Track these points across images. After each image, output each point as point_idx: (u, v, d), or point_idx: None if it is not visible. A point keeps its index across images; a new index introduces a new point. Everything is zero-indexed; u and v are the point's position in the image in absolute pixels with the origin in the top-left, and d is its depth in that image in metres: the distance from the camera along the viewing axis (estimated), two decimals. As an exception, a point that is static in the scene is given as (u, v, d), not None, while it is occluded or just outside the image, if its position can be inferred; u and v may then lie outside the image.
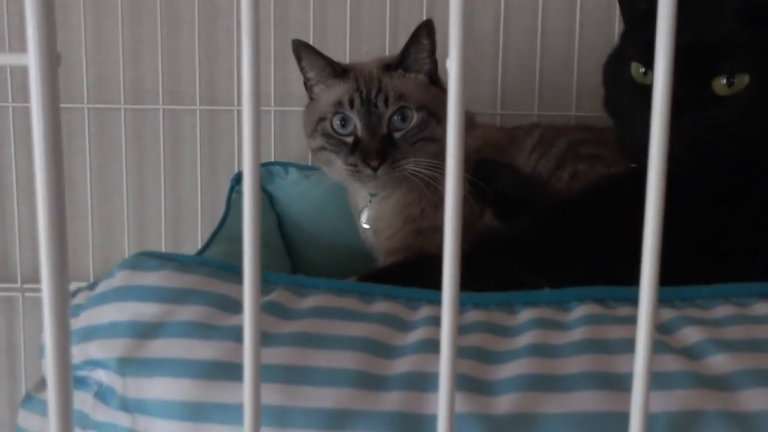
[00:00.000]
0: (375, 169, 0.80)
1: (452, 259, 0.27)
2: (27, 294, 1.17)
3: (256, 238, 0.28)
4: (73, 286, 1.12)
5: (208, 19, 1.14)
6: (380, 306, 0.37)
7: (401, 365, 0.33)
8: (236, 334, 0.34)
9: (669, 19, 0.27)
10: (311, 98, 0.89)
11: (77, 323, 0.38)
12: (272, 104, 1.15)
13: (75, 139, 1.16)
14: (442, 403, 0.26)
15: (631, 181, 0.66)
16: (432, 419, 0.30)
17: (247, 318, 0.26)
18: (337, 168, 0.86)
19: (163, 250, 1.16)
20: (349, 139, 0.82)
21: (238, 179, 1.03)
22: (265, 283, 0.38)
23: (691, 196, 0.50)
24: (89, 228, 1.15)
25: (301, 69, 0.87)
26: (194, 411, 0.32)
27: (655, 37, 0.62)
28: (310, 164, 1.10)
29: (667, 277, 0.35)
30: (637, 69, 0.62)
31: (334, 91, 0.85)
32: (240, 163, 1.14)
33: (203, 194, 1.15)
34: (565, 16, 1.14)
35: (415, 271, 0.67)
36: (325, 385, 0.31)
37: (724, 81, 0.57)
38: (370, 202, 0.92)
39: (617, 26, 1.10)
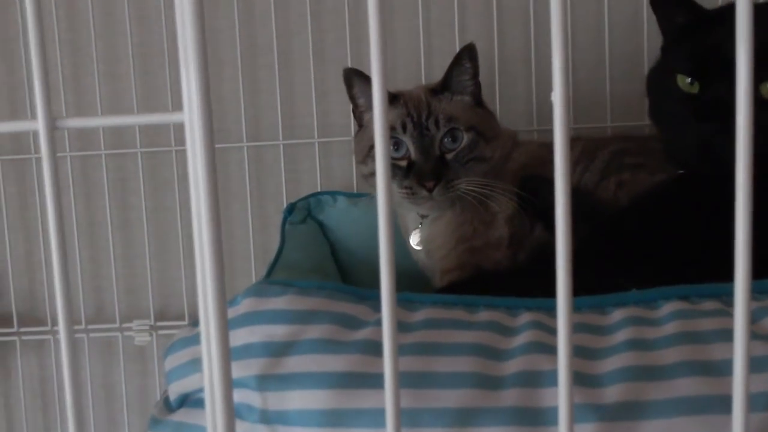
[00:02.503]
0: (430, 191, 0.83)
1: (565, 265, 0.30)
2: (92, 334, 1.21)
3: (390, 254, 0.30)
4: (135, 324, 1.16)
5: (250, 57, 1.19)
6: (484, 315, 0.40)
7: (513, 366, 0.36)
8: (362, 347, 0.37)
9: (746, 40, 0.29)
10: (361, 126, 0.92)
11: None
12: (316, 136, 1.19)
13: (129, 182, 1.21)
14: (561, 395, 0.29)
15: (683, 186, 0.68)
16: (549, 411, 0.33)
17: (386, 330, 0.28)
18: (390, 192, 0.89)
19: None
20: (403, 163, 0.85)
21: (290, 210, 1.07)
22: (378, 302, 0.41)
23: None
24: (147, 267, 1.19)
25: (352, 97, 0.90)
26: (332, 418, 0.35)
27: (701, 52, 0.64)
28: (356, 191, 1.14)
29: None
30: (683, 80, 0.65)
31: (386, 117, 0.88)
32: (287, 196, 1.18)
33: (254, 228, 1.19)
34: (592, 30, 1.17)
35: (481, 285, 0.70)
36: (448, 387, 0.34)
37: None
38: (420, 224, 0.94)
39: (645, 35, 1.13)
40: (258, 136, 1.21)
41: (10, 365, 1.26)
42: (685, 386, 0.33)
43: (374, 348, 0.37)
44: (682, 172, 0.73)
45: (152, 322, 1.20)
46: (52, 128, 0.31)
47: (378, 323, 0.39)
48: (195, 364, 0.42)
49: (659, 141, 0.80)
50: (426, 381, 0.34)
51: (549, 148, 1.00)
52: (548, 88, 1.21)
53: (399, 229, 1.00)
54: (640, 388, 0.33)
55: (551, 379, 0.34)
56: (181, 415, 0.43)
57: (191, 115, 0.29)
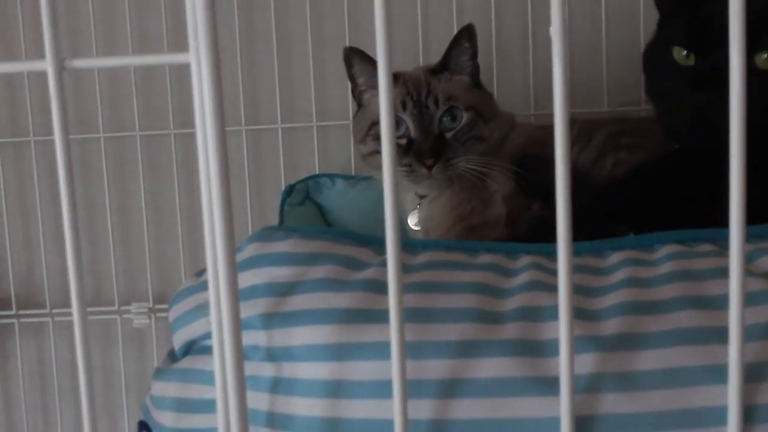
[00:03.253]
0: (430, 168, 0.83)
1: (564, 210, 0.30)
2: (91, 317, 1.21)
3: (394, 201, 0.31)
4: (134, 307, 1.17)
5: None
6: (484, 258, 0.41)
7: (513, 302, 0.37)
8: (366, 286, 0.38)
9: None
10: (360, 106, 0.93)
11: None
12: (314, 120, 1.19)
13: (128, 166, 1.22)
14: (563, 325, 0.30)
15: (680, 158, 0.69)
16: (549, 343, 0.34)
17: (391, 269, 0.29)
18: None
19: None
20: (403, 141, 0.86)
21: (289, 192, 1.07)
22: (380, 246, 0.42)
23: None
24: (146, 250, 1.20)
25: (351, 76, 0.91)
26: (336, 352, 0.35)
27: (696, 25, 0.65)
28: (353, 174, 1.15)
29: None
30: (679, 52, 0.66)
31: (384, 97, 0.89)
32: (285, 179, 1.18)
33: (252, 210, 1.20)
34: (589, 16, 1.18)
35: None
36: (450, 322, 0.35)
37: (765, 56, 0.61)
38: (419, 205, 0.95)
39: (642, 21, 1.14)
40: (256, 120, 1.21)
41: (8, 348, 1.26)
42: (682, 319, 0.34)
43: (377, 286, 0.37)
44: (678, 147, 0.74)
45: (151, 305, 1.20)
46: (61, 69, 0.32)
47: (381, 264, 0.40)
48: (200, 310, 0.43)
49: (655, 120, 0.81)
50: (428, 316, 0.35)
51: (546, 129, 1.02)
52: (546, 74, 1.22)
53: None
54: (637, 321, 0.34)
55: (551, 313, 0.35)
56: (187, 363, 0.44)
57: (198, 56, 0.29)
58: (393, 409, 0.27)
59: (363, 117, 0.92)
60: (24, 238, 1.25)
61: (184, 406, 0.43)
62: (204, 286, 0.44)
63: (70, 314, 1.18)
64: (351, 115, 1.16)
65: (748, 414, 0.31)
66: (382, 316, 0.34)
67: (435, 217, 0.92)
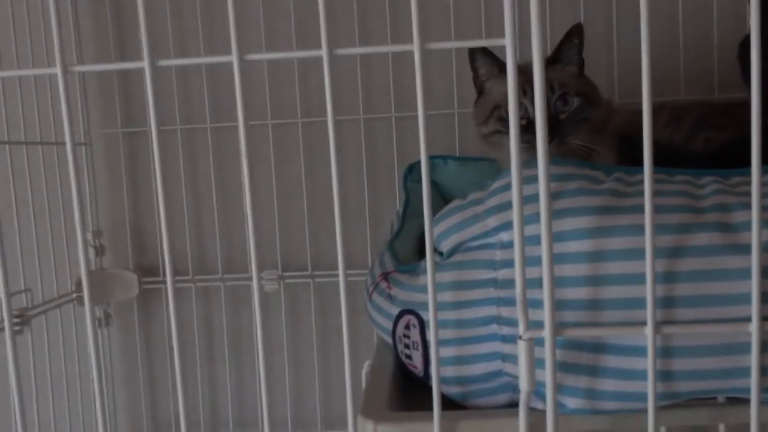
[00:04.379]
0: (548, 144, 0.99)
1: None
2: (227, 283, 1.39)
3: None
4: (265, 273, 1.34)
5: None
6: (678, 177, 0.59)
7: (709, 201, 0.54)
8: (608, 192, 0.55)
9: None
10: (481, 93, 1.09)
11: (489, 204, 0.60)
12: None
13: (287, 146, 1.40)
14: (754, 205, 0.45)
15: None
16: (740, 225, 0.51)
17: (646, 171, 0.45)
18: (508, 149, 1.05)
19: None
20: (523, 122, 1.02)
21: (410, 170, 1.24)
22: (607, 171, 0.59)
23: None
24: (275, 224, 1.37)
25: (474, 68, 1.07)
26: (594, 232, 0.52)
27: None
28: (457, 155, 1.31)
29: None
30: None
31: (505, 84, 1.05)
32: (397, 163, 1.35)
33: (368, 190, 1.37)
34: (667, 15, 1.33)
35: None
36: (669, 212, 0.52)
37: None
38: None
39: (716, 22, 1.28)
40: (370, 110, 1.38)
41: (152, 311, 1.44)
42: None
43: (615, 192, 0.55)
44: None
45: (279, 272, 1.38)
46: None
47: (613, 180, 0.57)
48: (469, 221, 0.60)
49: (737, 104, 0.95)
50: (657, 210, 0.52)
51: (639, 114, 1.17)
52: (628, 67, 1.37)
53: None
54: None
55: (737, 207, 0.52)
56: (458, 257, 0.61)
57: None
58: (644, 264, 0.43)
59: (485, 101, 1.07)
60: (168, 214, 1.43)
61: (462, 285, 0.59)
62: (472, 204, 0.61)
63: (209, 280, 1.38)
64: (455, 105, 1.33)
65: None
66: (623, 210, 0.51)
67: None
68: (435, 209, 1.20)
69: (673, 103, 1.17)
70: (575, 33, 1.03)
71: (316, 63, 1.36)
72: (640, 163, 1.03)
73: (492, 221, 0.59)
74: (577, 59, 1.05)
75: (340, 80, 1.37)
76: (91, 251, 1.36)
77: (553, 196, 0.54)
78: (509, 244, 0.57)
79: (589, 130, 1.03)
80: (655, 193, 0.53)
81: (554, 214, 0.53)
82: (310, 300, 1.39)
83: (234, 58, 0.51)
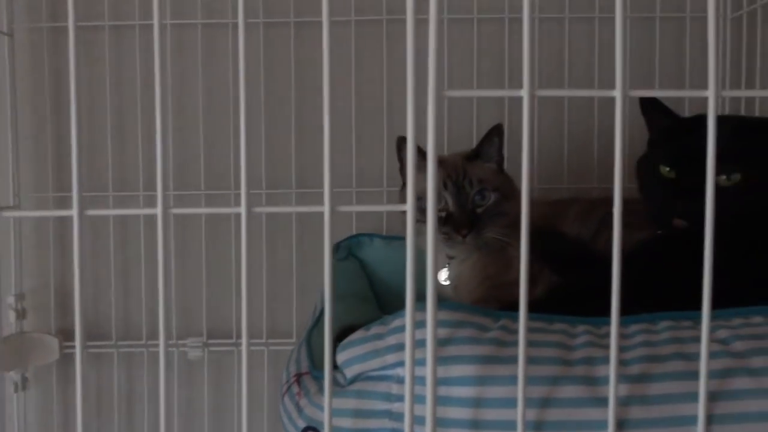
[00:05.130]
0: (464, 236, 1.05)
1: (617, 291, 0.52)
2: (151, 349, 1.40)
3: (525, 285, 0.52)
4: (189, 341, 1.35)
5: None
6: (557, 325, 0.64)
7: (578, 354, 0.59)
8: (493, 342, 0.60)
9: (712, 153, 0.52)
10: (406, 183, 1.15)
11: (389, 342, 0.64)
12: (353, 186, 1.41)
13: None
14: (612, 368, 0.51)
15: (664, 242, 0.92)
16: (601, 378, 0.56)
17: (522, 334, 0.50)
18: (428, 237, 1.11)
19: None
20: (443, 214, 1.08)
21: (336, 249, 1.28)
22: (494, 315, 0.65)
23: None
24: (203, 290, 1.39)
25: (400, 158, 1.13)
26: (479, 380, 0.57)
27: (677, 150, 0.89)
28: (384, 234, 1.36)
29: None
30: (664, 169, 0.90)
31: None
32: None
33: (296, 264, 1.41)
34: (584, 108, 1.43)
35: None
36: (544, 364, 0.57)
37: (725, 177, 0.85)
38: (447, 264, 1.16)
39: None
40: (304, 185, 1.43)
41: (70, 375, 1.43)
42: (673, 366, 0.57)
43: (499, 342, 0.60)
44: (660, 232, 0.97)
45: (205, 340, 1.39)
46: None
47: (499, 328, 0.63)
48: (374, 354, 0.64)
49: (643, 208, 1.04)
50: (531, 361, 0.57)
51: (552, 206, 1.26)
52: (547, 157, 1.46)
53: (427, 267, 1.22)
54: (649, 367, 0.56)
55: (601, 361, 0.57)
56: (359, 386, 0.65)
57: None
58: (516, 413, 0.49)
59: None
60: (94, 279, 1.43)
61: (361, 414, 0.64)
62: (374, 338, 0.66)
63: (132, 346, 1.38)
64: (384, 183, 1.39)
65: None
66: (505, 360, 0.57)
67: (464, 277, 1.13)
68: (361, 288, 1.27)
69: (584, 197, 1.26)
70: (495, 132, 1.10)
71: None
72: (547, 257, 1.11)
73: (390, 358, 0.64)
74: (497, 156, 1.12)
75: (276, 155, 1.42)
76: (12, 314, 1.34)
77: (443, 342, 0.60)
78: (404, 380, 0.62)
79: (504, 224, 1.10)
80: (532, 344, 0.59)
81: (443, 361, 0.59)
82: (233, 368, 1.41)
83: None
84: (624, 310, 0.70)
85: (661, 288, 0.74)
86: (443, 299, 1.19)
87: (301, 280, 1.42)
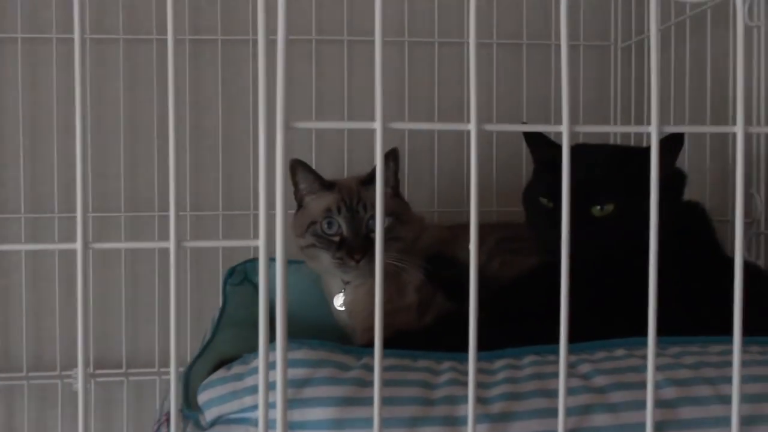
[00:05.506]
0: (358, 262, 1.03)
1: (474, 325, 0.51)
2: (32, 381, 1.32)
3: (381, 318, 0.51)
4: (75, 372, 1.28)
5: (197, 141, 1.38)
6: (422, 362, 0.63)
7: (440, 393, 0.58)
8: (354, 382, 0.58)
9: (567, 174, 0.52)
10: (301, 206, 1.12)
11: (247, 383, 0.61)
12: (251, 208, 1.38)
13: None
14: (470, 408, 0.50)
15: (547, 272, 0.93)
16: (461, 419, 0.55)
17: (377, 370, 0.48)
18: (322, 261, 1.09)
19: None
20: (336, 238, 1.06)
21: (230, 273, 1.24)
22: (357, 353, 0.62)
23: (590, 281, 0.76)
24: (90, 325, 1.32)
25: (295, 182, 1.10)
26: (337, 424, 0.55)
27: (555, 181, 0.91)
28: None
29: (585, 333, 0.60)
30: (544, 200, 0.91)
31: (323, 201, 1.09)
32: (224, 262, 1.35)
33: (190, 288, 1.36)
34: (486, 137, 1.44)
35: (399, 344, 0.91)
36: (406, 405, 0.55)
37: (599, 207, 0.86)
38: (343, 289, 1.14)
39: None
40: (199, 206, 1.38)
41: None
42: (534, 403, 0.56)
43: (360, 382, 0.58)
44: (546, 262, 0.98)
45: (91, 370, 1.32)
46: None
47: (361, 367, 0.61)
48: (232, 395, 0.61)
49: (530, 237, 1.05)
50: (392, 402, 0.56)
51: (450, 230, 1.26)
52: (447, 179, 1.47)
53: (324, 293, 1.20)
54: (511, 405, 0.56)
55: (462, 400, 0.56)
56: (219, 429, 0.61)
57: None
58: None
59: (303, 215, 1.11)
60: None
61: None
62: (233, 378, 0.63)
63: (12, 378, 1.29)
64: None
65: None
66: (365, 401, 0.55)
67: (359, 302, 1.12)
68: (254, 315, 1.23)
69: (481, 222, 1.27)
70: (390, 157, 1.10)
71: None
72: (442, 283, 1.11)
73: (248, 400, 0.61)
74: (392, 180, 1.12)
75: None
76: None
77: (301, 383, 0.58)
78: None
79: (399, 249, 1.09)
80: (393, 383, 0.58)
81: (300, 403, 0.57)
82: (123, 399, 1.34)
83: None
84: (496, 343, 0.70)
85: (536, 320, 0.74)
86: (341, 327, 1.19)
87: (197, 306, 1.36)
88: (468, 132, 0.47)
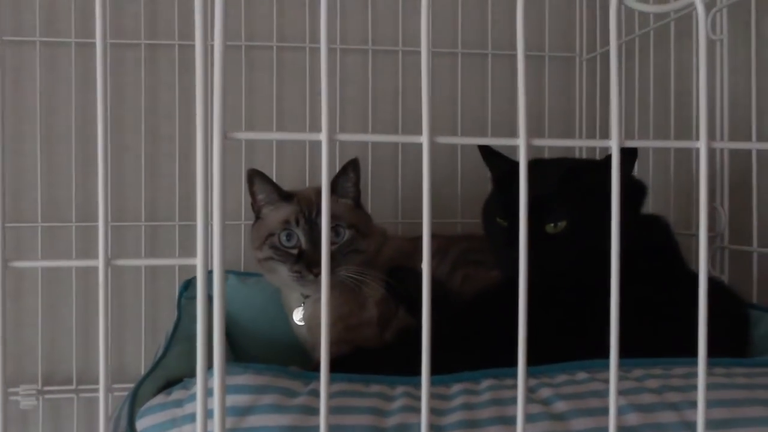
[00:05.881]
0: (316, 275, 1.00)
1: (426, 352, 0.48)
2: None
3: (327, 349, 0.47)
4: (22, 388, 1.22)
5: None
6: (374, 387, 0.59)
7: (393, 420, 0.54)
8: (300, 409, 0.54)
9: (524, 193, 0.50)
10: (258, 218, 1.09)
11: (186, 410, 0.57)
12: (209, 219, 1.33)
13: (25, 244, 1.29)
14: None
15: (506, 291, 0.91)
16: None
17: (323, 397, 0.45)
18: (280, 274, 1.05)
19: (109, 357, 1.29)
20: (294, 251, 1.02)
21: (186, 286, 1.20)
22: (305, 378, 0.59)
23: (550, 300, 0.74)
24: (38, 331, 1.26)
25: (252, 193, 1.06)
26: None
27: (509, 199, 0.89)
28: (242, 270, 1.29)
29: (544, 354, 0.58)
30: (498, 219, 0.89)
31: (281, 212, 1.05)
32: (181, 275, 1.30)
33: (145, 301, 1.31)
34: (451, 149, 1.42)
35: (358, 361, 0.87)
36: None
37: (552, 225, 0.85)
38: (303, 303, 1.11)
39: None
40: (155, 217, 1.33)
41: None
42: (494, 431, 0.53)
43: (307, 409, 0.54)
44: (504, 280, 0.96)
45: (39, 387, 1.26)
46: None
47: (308, 393, 0.57)
48: (172, 422, 0.57)
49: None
50: (341, 430, 0.52)
51: (412, 242, 1.23)
52: (411, 189, 1.44)
53: (283, 307, 1.16)
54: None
55: (416, 428, 0.53)
56: None
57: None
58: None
59: (261, 227, 1.07)
60: None
61: None
62: (173, 405, 0.59)
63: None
64: (242, 216, 1.32)
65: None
66: (313, 431, 0.51)
67: (318, 316, 1.08)
68: (209, 328, 1.18)
69: (442, 233, 1.25)
70: (351, 167, 1.06)
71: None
72: (403, 297, 1.08)
73: (187, 429, 0.57)
74: (353, 191, 1.08)
75: (126, 188, 1.32)
76: None
77: (245, 411, 0.54)
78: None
79: (360, 262, 1.05)
80: (343, 410, 0.54)
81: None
82: (73, 417, 1.28)
83: None
84: (455, 365, 0.67)
85: (495, 340, 0.71)
86: (300, 342, 1.15)
87: (152, 319, 1.32)
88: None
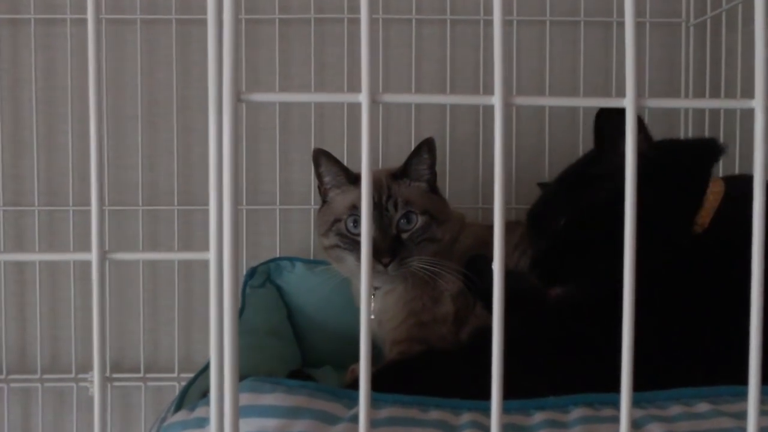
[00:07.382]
0: (386, 266, 0.90)
1: (498, 381, 0.38)
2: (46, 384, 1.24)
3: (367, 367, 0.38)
4: (90, 375, 1.19)
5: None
6: (434, 414, 0.49)
7: None
8: None
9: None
10: (325, 202, 1.00)
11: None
12: (277, 203, 1.27)
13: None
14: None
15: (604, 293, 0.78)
16: None
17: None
18: (347, 264, 0.96)
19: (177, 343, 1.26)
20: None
21: (251, 274, 1.13)
22: (349, 399, 0.49)
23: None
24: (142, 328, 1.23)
25: (319, 174, 0.98)
26: None
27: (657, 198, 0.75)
28: (312, 258, 1.22)
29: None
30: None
31: (348, 196, 0.96)
32: (248, 260, 1.24)
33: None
34: (537, 116, 1.30)
35: (421, 369, 0.77)
36: None
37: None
38: (373, 295, 1.02)
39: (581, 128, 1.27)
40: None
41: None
42: None
43: None
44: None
45: (108, 374, 1.23)
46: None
47: (351, 419, 0.47)
48: None
49: None
50: None
51: (492, 230, 1.12)
52: (492, 170, 1.32)
53: (353, 299, 1.08)
54: None
55: None
56: None
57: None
58: None
59: (327, 212, 0.99)
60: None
61: None
62: (195, 424, 0.51)
63: (27, 381, 1.22)
64: (312, 202, 1.25)
65: None
66: None
67: (389, 310, 0.99)
68: (275, 320, 1.12)
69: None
70: (425, 148, 0.96)
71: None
72: (481, 291, 0.97)
73: None
74: (427, 174, 0.98)
75: (194, 169, 1.27)
76: None
77: None
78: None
79: (434, 251, 0.95)
80: None
81: None
82: (141, 405, 1.25)
83: None
84: (537, 387, 0.56)
85: (590, 358, 0.59)
86: (372, 336, 1.06)
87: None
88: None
